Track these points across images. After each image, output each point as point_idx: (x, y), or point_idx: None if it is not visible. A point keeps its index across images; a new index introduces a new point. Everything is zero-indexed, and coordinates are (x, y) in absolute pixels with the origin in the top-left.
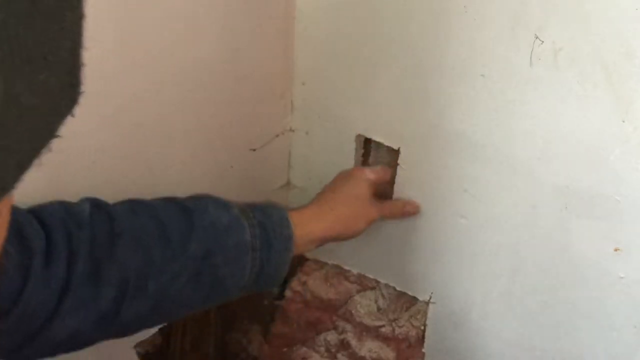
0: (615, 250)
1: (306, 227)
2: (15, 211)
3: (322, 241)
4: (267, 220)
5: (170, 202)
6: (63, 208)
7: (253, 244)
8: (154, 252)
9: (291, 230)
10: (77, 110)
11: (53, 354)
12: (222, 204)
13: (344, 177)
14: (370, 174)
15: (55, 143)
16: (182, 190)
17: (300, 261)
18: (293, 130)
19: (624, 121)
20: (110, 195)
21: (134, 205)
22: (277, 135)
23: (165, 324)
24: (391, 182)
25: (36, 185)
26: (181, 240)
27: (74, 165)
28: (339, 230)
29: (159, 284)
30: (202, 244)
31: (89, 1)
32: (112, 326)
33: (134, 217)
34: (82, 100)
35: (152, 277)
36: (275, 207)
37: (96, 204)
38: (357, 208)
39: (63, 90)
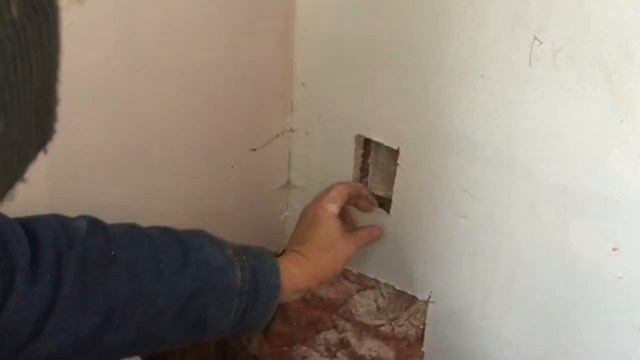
0: (614, 250)
1: (292, 279)
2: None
3: (306, 291)
4: (258, 267)
5: (168, 234)
6: (58, 222)
7: (242, 289)
8: (146, 284)
9: (280, 280)
10: (77, 110)
11: None
12: (217, 243)
13: (309, 220)
14: (332, 207)
15: (56, 144)
16: (182, 190)
17: None
18: (293, 130)
19: (622, 121)
20: (109, 194)
21: (132, 231)
22: (277, 135)
23: None
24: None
25: (37, 185)
26: (174, 275)
27: (74, 165)
28: (321, 278)
29: (145, 317)
30: (193, 281)
31: (90, 1)
32: (92, 352)
33: (131, 243)
34: (83, 101)
35: (139, 308)
36: (267, 254)
37: (94, 223)
38: (333, 252)
39: (29, 134)
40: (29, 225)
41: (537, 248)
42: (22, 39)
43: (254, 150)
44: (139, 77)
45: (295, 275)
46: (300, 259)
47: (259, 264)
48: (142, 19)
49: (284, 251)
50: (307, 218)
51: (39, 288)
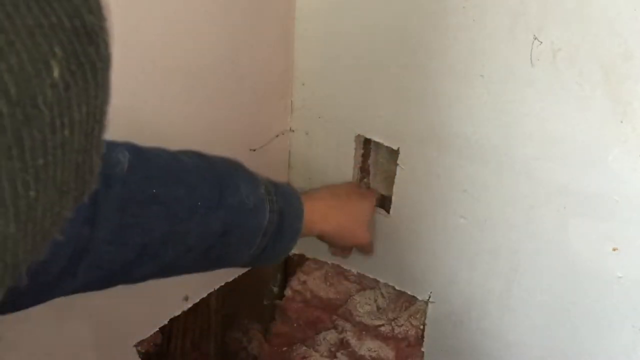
0: (614, 250)
1: (312, 225)
2: None
3: (318, 238)
4: (285, 209)
5: (207, 168)
6: None
7: (267, 229)
8: (181, 223)
9: (302, 224)
10: None
11: (48, 300)
12: (252, 181)
13: (359, 192)
14: (375, 199)
15: None
16: None
17: (300, 261)
18: (293, 130)
19: (622, 121)
20: None
21: (173, 166)
22: (277, 135)
23: (166, 323)
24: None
25: None
26: (208, 215)
27: None
28: (334, 239)
29: (174, 253)
30: (224, 223)
31: None
32: (119, 282)
33: (172, 181)
34: None
35: (170, 245)
36: (295, 195)
37: (136, 154)
38: (359, 230)
39: (66, 193)
40: None
41: (536, 248)
42: (64, 100)
43: (254, 150)
44: (139, 77)
45: (317, 224)
46: (331, 212)
47: (287, 206)
48: (141, 19)
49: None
50: (358, 189)
51: (74, 229)
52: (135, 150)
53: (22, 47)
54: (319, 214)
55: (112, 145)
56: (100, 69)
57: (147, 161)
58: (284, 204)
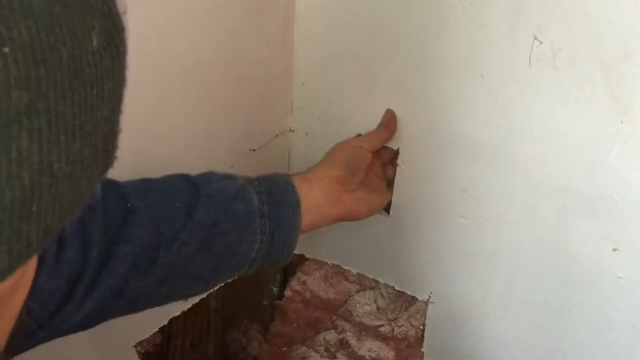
0: (614, 250)
1: (308, 192)
2: None
3: (325, 199)
4: (273, 187)
5: (177, 176)
6: None
7: (261, 210)
8: (164, 224)
9: (297, 195)
10: None
11: (66, 334)
12: (227, 176)
13: (353, 156)
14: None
15: None
16: None
17: (300, 261)
18: (293, 131)
19: (622, 121)
20: None
21: (142, 182)
22: (277, 136)
23: (166, 324)
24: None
25: None
26: (188, 209)
27: None
28: (326, 177)
29: (169, 254)
30: (209, 211)
31: None
32: (123, 301)
33: (145, 193)
34: None
35: (162, 247)
36: (279, 174)
37: (107, 183)
38: (330, 153)
39: (97, 157)
40: None
41: (536, 248)
42: (100, 68)
43: (254, 150)
44: (138, 77)
45: (311, 184)
46: (308, 174)
47: (274, 185)
48: (141, 19)
49: None
50: (352, 153)
51: (67, 256)
52: (105, 180)
53: (72, 17)
54: (305, 179)
55: None
56: (122, 53)
57: (118, 185)
58: (269, 184)
